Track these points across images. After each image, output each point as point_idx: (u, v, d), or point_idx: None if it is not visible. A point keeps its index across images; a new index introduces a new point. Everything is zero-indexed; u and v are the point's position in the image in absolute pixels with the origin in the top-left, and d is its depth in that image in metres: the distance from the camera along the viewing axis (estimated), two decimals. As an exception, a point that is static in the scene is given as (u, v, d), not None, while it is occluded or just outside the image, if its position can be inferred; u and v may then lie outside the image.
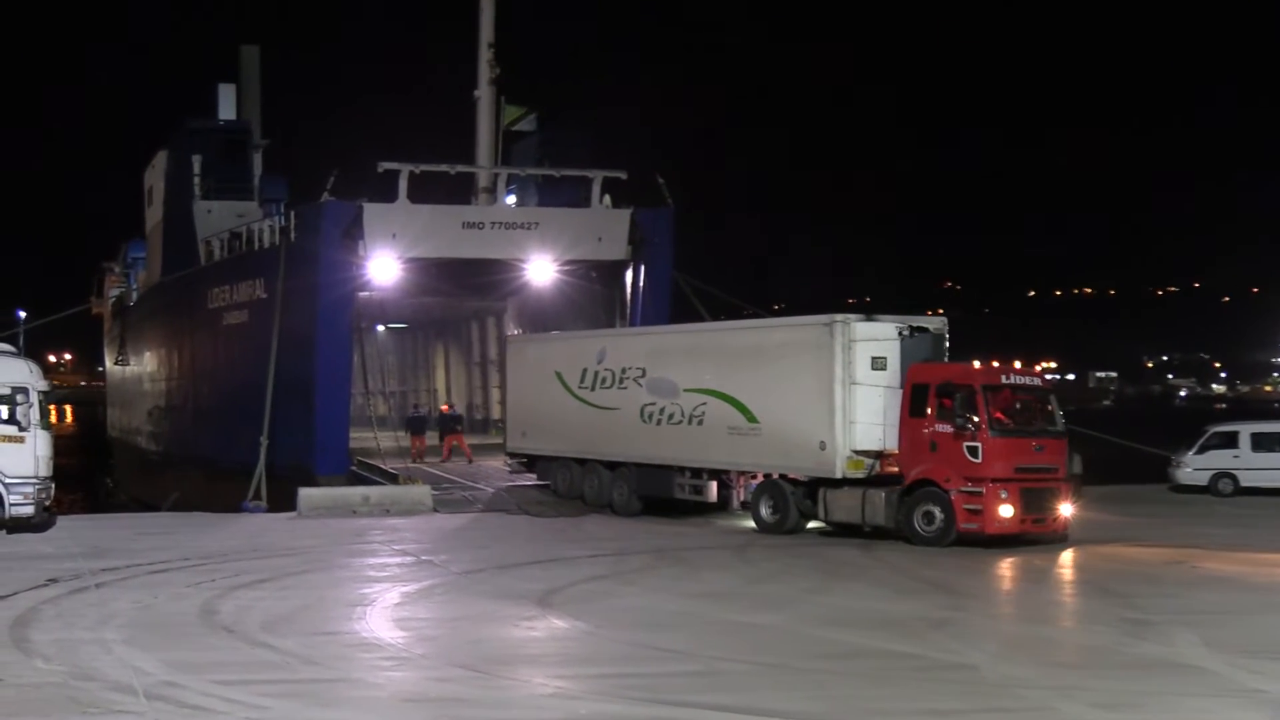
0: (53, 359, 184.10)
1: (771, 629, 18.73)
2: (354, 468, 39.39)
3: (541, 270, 42.66)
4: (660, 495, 32.23)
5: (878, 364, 27.58)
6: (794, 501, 28.82)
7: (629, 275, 42.67)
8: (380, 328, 56.30)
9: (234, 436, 42.84)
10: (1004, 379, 27.20)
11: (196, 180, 52.56)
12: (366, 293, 43.21)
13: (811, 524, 29.38)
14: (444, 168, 41.75)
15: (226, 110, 57.86)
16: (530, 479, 36.57)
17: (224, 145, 54.19)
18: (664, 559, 25.53)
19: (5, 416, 28.17)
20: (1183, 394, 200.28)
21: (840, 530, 28.95)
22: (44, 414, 28.66)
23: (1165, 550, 26.67)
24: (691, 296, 44.82)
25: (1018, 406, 27.27)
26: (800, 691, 15.05)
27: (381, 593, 21.33)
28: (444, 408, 46.01)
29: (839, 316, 27.82)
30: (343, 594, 21.37)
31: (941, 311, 34.95)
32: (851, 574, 23.81)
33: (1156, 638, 17.93)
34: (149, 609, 19.83)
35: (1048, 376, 28.92)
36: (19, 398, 28.19)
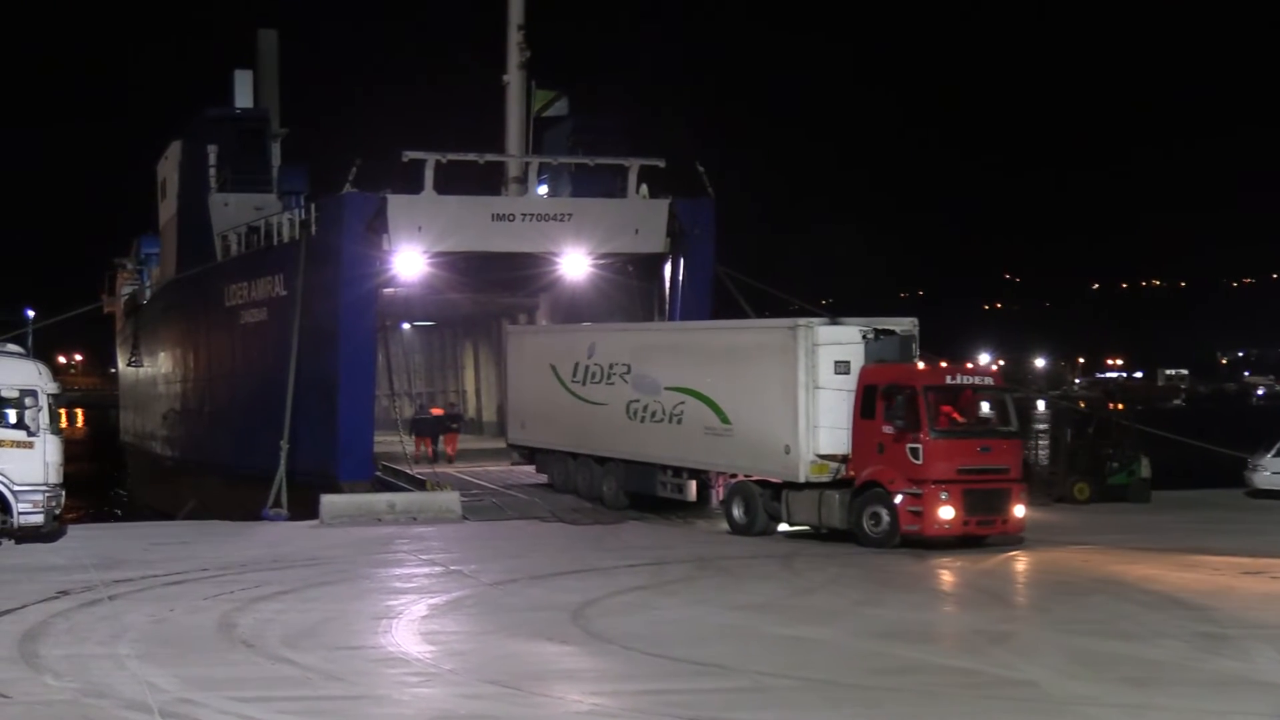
0: (62, 360, 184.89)
1: (820, 643, 18.70)
2: (379, 473, 39.50)
3: (575, 264, 42.65)
4: (644, 492, 33.71)
5: (840, 368, 28.62)
6: (762, 504, 29.95)
7: (668, 269, 42.63)
8: (406, 326, 56.40)
9: (253, 441, 43.02)
10: (948, 379, 28.23)
11: (212, 172, 52.78)
12: (391, 289, 43.31)
13: (782, 527, 30.27)
14: (472, 157, 41.80)
15: (243, 98, 58.02)
16: (532, 471, 37.96)
17: (241, 135, 54.34)
18: (706, 569, 25.54)
19: (13, 421, 28.40)
20: (1260, 392, 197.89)
21: (833, 533, 29.21)
22: (54, 418, 28.87)
23: (1241, 559, 26.47)
24: (734, 292, 44.70)
25: (966, 407, 28.20)
26: (850, 708, 15.03)
27: (408, 605, 21.41)
28: (436, 410, 46.20)
29: (802, 320, 29.18)
30: (367, 606, 21.46)
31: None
32: (905, 585, 23.74)
33: (1232, 653, 17.80)
34: (164, 623, 19.97)
35: (1001, 376, 30.38)
36: (27, 401, 28.40)
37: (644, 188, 42.43)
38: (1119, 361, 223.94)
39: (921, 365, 28.55)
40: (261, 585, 23.32)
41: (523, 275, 44.92)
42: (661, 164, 42.57)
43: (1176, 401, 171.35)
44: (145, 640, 18.52)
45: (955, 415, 28.02)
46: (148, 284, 68.13)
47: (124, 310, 73.91)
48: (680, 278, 42.27)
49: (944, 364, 29.05)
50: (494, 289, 47.77)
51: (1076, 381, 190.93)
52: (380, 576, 24.80)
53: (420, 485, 36.55)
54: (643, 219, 42.04)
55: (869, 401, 28.14)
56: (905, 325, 29.51)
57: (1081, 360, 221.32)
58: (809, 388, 28.50)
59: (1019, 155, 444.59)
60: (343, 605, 21.57)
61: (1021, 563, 26.25)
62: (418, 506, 33.69)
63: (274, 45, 61.27)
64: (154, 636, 18.83)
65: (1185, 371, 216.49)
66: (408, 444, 42.78)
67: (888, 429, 27.70)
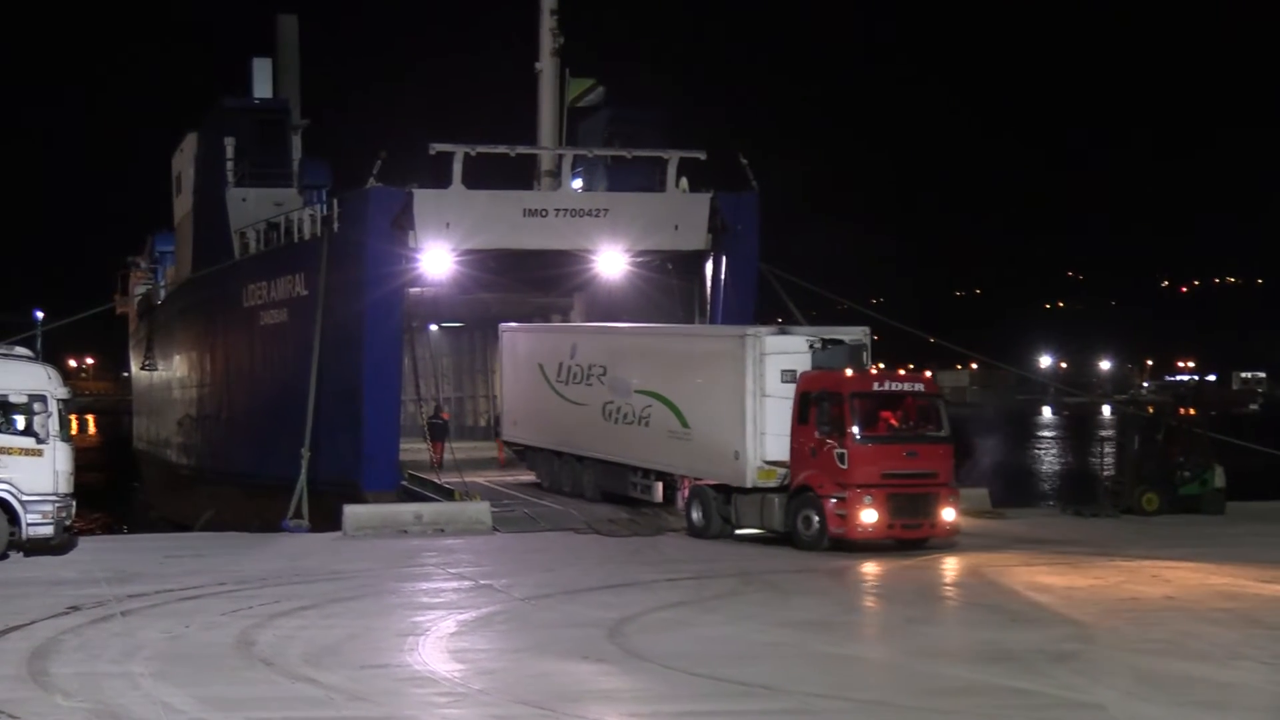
0: (73, 364, 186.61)
1: (872, 662, 18.68)
2: (405, 483, 39.60)
3: (612, 262, 42.68)
4: (618, 492, 35.97)
5: (787, 376, 30.54)
6: (715, 507, 31.79)
7: (709, 267, 42.60)
8: (433, 327, 56.56)
9: (273, 448, 43.22)
10: (875, 386, 30.03)
11: (230, 165, 52.98)
12: (418, 288, 43.41)
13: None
14: (503, 149, 41.87)
15: (262, 88, 58.20)
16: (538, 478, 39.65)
17: (260, 126, 54.51)
18: (750, 583, 25.55)
19: (21, 428, 28.55)
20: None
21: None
22: (64, 424, 29.00)
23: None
24: (779, 290, 44.67)
25: (896, 413, 30.01)
26: (904, 733, 14.98)
27: (435, 621, 21.48)
28: (445, 415, 46.28)
29: (750, 329, 31.70)
30: (393, 623, 21.53)
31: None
32: (962, 600, 23.68)
33: (1313, 674, 17.66)
34: (180, 639, 20.08)
35: (934, 382, 32.20)
36: (37, 407, 28.54)
37: (684, 181, 42.40)
38: (1190, 364, 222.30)
39: (850, 372, 29.97)
40: (281, 600, 23.41)
41: (556, 274, 44.96)
42: (702, 156, 42.53)
43: (1253, 406, 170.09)
44: (160, 658, 18.62)
45: (892, 421, 29.85)
46: (162, 284, 68.57)
47: (137, 311, 74.36)
48: (722, 276, 42.24)
49: (874, 371, 30.75)
50: (526, 288, 47.84)
51: (1144, 385, 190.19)
52: (406, 591, 24.87)
53: (448, 495, 36.63)
54: (683, 214, 42.03)
55: (804, 408, 30.06)
56: (855, 334, 31.57)
57: (1150, 363, 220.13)
58: (756, 395, 30.52)
59: (1081, 146, 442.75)
60: (367, 621, 21.64)
61: (1083, 577, 26.09)
62: (446, 518, 33.75)
63: (294, 32, 61.37)
64: (169, 654, 18.93)
65: (1263, 375, 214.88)
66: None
67: (818, 434, 29.65)
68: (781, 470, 30.44)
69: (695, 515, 32.30)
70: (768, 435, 30.50)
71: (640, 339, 37.40)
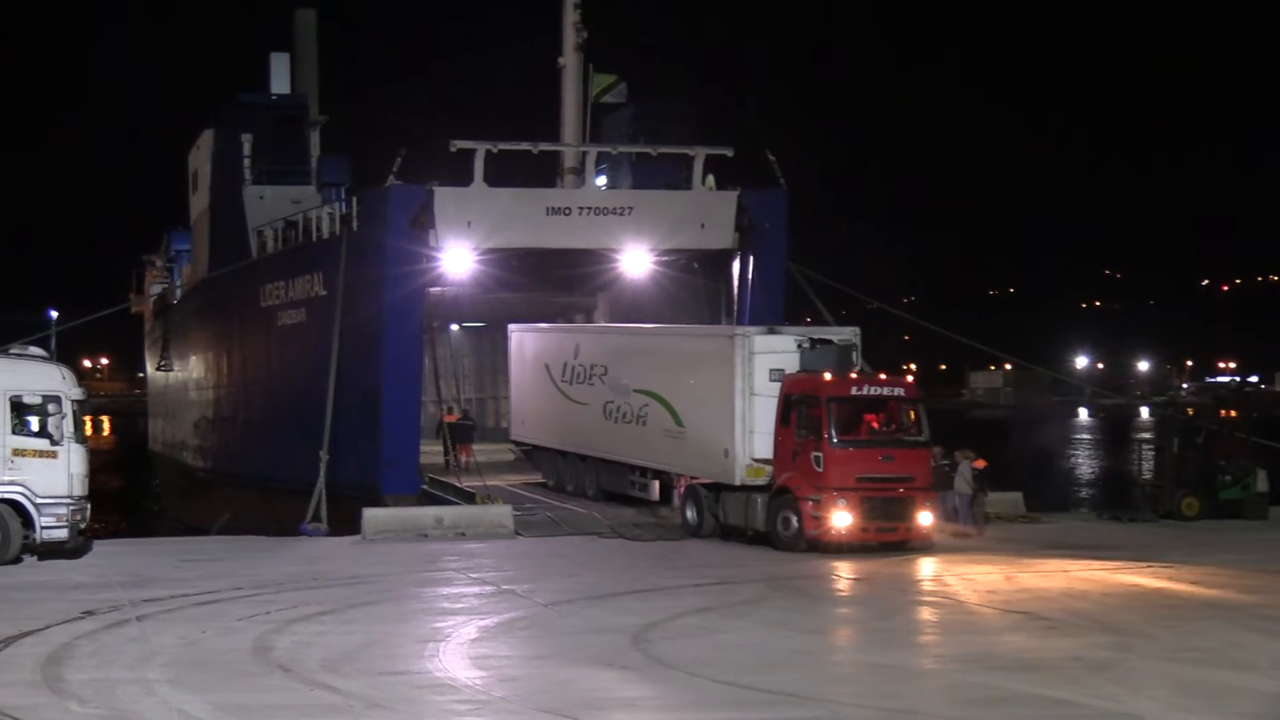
0: (88, 364, 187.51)
1: (902, 670, 18.63)
2: (425, 486, 39.68)
3: (636, 261, 42.67)
4: (618, 491, 36.89)
5: (775, 376, 31.34)
6: (706, 505, 32.74)
7: (736, 266, 42.57)
8: (454, 327, 56.68)
9: (290, 451, 43.32)
10: (853, 390, 30.73)
11: (247, 163, 53.09)
12: (438, 288, 43.47)
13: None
14: (525, 146, 41.85)
15: (280, 83, 58.36)
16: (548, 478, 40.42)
17: (277, 123, 54.64)
18: (778, 589, 25.54)
19: (36, 429, 28.69)
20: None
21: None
22: (78, 426, 29.14)
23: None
24: (808, 290, 44.60)
25: (874, 417, 30.90)
26: (936, 742, 14.95)
27: (456, 627, 21.50)
28: (452, 417, 46.34)
29: (739, 329, 33.08)
30: (413, 628, 21.58)
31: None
32: (995, 606, 23.59)
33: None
34: (196, 645, 20.14)
35: (914, 386, 32.74)
36: (51, 408, 28.67)
37: (710, 178, 42.36)
38: (1232, 365, 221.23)
39: (829, 376, 30.55)
40: (299, 605, 23.47)
41: (580, 273, 44.99)
42: (729, 152, 42.45)
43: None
44: (176, 664, 18.68)
45: (873, 424, 30.73)
46: (178, 283, 68.74)
47: (153, 311, 74.63)
48: (750, 275, 42.20)
49: (854, 375, 31.16)
50: (549, 288, 47.90)
51: (1184, 387, 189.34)
52: (427, 596, 24.92)
53: (469, 499, 36.69)
54: (709, 212, 41.99)
55: (786, 410, 30.91)
56: (845, 335, 32.47)
57: (1189, 364, 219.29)
58: (745, 394, 31.34)
59: (1118, 140, 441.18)
60: (386, 627, 21.69)
61: (1120, 583, 26.02)
62: (467, 521, 33.83)
63: (312, 26, 61.53)
64: (185, 660, 18.99)
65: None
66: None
67: (798, 437, 30.52)
68: (770, 468, 31.10)
69: (689, 514, 33.12)
70: (756, 434, 31.25)
71: (639, 339, 38.22)
